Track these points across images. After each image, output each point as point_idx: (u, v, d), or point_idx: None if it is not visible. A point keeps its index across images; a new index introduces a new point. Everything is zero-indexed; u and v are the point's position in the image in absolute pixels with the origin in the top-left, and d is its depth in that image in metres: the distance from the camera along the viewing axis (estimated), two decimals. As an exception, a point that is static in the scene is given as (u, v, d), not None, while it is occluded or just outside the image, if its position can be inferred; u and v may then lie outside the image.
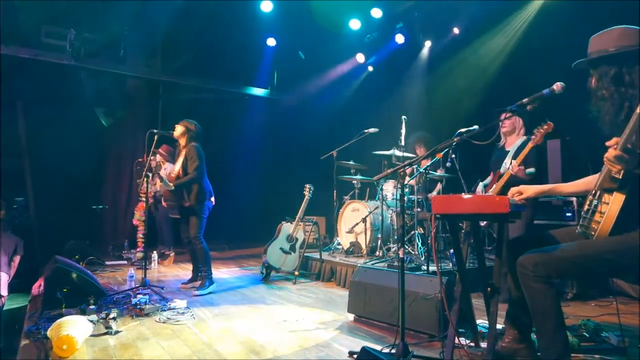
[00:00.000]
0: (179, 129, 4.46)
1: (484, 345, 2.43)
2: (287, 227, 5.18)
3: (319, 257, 5.08)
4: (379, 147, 5.24)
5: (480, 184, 3.96)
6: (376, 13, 6.90)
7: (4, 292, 4.24)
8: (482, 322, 2.80)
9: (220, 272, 5.46)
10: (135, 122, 7.60)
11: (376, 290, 3.21)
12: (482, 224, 4.13)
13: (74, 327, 2.63)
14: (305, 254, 5.15)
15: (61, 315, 3.04)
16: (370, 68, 8.12)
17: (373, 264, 4.46)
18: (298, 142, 8.49)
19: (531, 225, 3.63)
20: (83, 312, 3.23)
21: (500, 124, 3.62)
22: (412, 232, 4.78)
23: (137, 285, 4.08)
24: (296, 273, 4.91)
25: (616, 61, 1.91)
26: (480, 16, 6.00)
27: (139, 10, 6.75)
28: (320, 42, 7.81)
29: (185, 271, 5.42)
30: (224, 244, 7.49)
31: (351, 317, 3.38)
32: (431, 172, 4.84)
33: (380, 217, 5.07)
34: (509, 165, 3.49)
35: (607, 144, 1.78)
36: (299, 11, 7.00)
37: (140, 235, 6.18)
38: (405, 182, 2.36)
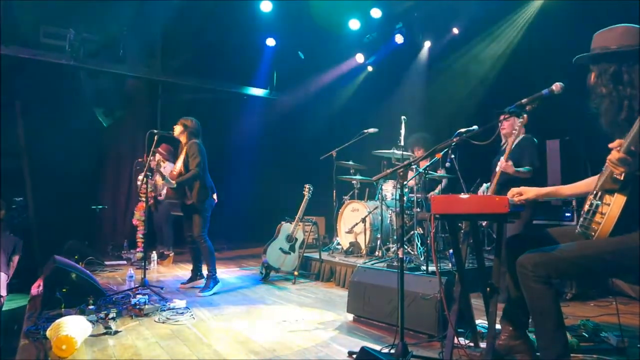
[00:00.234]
0: (177, 129, 4.47)
1: (483, 345, 2.43)
2: (286, 227, 5.18)
3: (318, 257, 5.08)
4: (378, 147, 5.24)
5: (484, 185, 3.96)
6: (376, 13, 6.90)
7: (3, 292, 4.23)
8: (481, 322, 2.81)
9: (220, 272, 5.40)
10: (134, 122, 7.60)
11: (375, 290, 3.21)
12: (483, 223, 4.14)
13: (73, 327, 2.62)
14: (304, 254, 5.15)
15: (60, 316, 3.04)
16: (370, 68, 8.12)
17: (372, 264, 4.46)
18: (297, 142, 8.49)
19: (530, 225, 3.63)
20: (82, 312, 3.22)
21: (500, 125, 3.61)
22: (412, 232, 4.78)
23: (136, 286, 4.07)
24: (296, 273, 4.91)
25: (616, 59, 1.91)
26: (480, 16, 6.00)
27: (138, 10, 6.75)
28: (320, 42, 7.80)
29: (184, 271, 5.41)
30: (223, 244, 7.48)
31: (350, 317, 3.38)
32: (431, 172, 4.84)
33: (380, 217, 5.07)
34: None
35: (610, 145, 1.77)
36: (299, 11, 7.00)
37: (139, 235, 6.17)
38: (405, 183, 2.36)
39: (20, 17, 6.09)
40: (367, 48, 7.84)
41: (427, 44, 7.02)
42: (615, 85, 1.90)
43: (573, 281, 3.93)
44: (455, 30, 6.52)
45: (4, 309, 4.17)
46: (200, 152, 4.32)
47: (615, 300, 3.63)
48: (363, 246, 5.17)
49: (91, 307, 3.34)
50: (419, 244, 4.74)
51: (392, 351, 2.42)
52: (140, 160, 6.11)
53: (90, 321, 2.93)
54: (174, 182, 4.22)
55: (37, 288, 4.01)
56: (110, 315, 3.05)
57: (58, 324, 2.63)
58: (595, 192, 1.95)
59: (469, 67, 6.28)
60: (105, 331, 2.93)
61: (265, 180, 8.46)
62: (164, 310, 3.47)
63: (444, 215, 2.29)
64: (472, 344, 2.55)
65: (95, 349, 2.67)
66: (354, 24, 7.32)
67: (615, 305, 3.00)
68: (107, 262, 5.75)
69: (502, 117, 2.48)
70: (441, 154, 2.73)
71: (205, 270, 4.39)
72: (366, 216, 5.10)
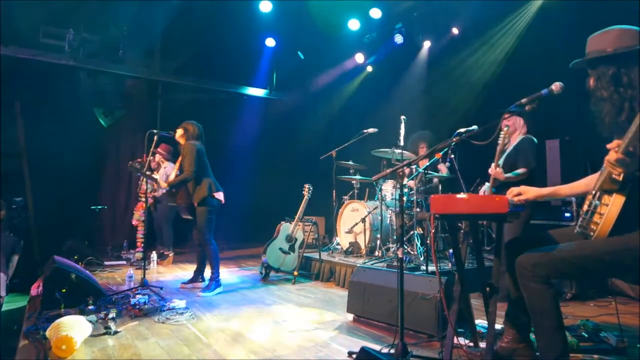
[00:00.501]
0: (178, 132, 4.47)
1: (482, 345, 2.43)
2: (286, 227, 5.17)
3: (318, 257, 5.08)
4: (378, 147, 5.24)
5: (486, 184, 3.95)
6: (375, 13, 6.91)
7: (3, 293, 4.23)
8: (481, 322, 2.81)
9: (220, 272, 5.43)
10: (134, 122, 7.60)
11: (375, 290, 3.21)
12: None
13: (73, 327, 2.62)
14: (304, 254, 5.15)
15: (60, 316, 3.03)
16: (370, 68, 8.12)
17: (372, 264, 4.46)
18: (297, 142, 8.48)
19: (528, 225, 3.61)
20: (82, 313, 3.22)
21: (501, 124, 3.59)
22: (411, 232, 4.78)
23: (136, 286, 4.07)
24: (295, 273, 4.90)
25: (614, 62, 1.90)
26: (480, 16, 6.01)
27: (137, 10, 6.74)
28: (320, 42, 7.81)
29: (184, 271, 5.41)
30: (223, 244, 7.47)
31: (350, 317, 3.39)
32: (430, 172, 4.84)
33: (380, 217, 5.06)
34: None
35: (608, 146, 1.77)
36: (298, 11, 7.00)
37: (139, 235, 6.17)
38: (405, 183, 2.36)
39: (19, 18, 6.09)
40: (366, 48, 7.85)
41: (427, 44, 7.03)
42: (615, 87, 1.89)
43: (572, 281, 3.94)
44: (455, 31, 6.52)
45: (3, 309, 4.17)
46: (195, 153, 4.24)
47: (614, 300, 3.63)
48: (363, 246, 5.17)
49: (91, 307, 3.34)
50: (418, 244, 4.75)
51: (392, 351, 2.42)
52: (140, 160, 6.11)
53: (90, 321, 2.93)
54: (166, 184, 4.22)
55: (36, 288, 4.01)
56: (110, 316, 3.05)
57: (58, 324, 2.63)
58: (594, 192, 1.95)
59: (469, 67, 6.28)
60: (104, 331, 2.93)
61: (265, 180, 8.46)
62: (164, 310, 3.47)
63: (444, 215, 2.29)
64: (471, 344, 2.55)
65: (95, 349, 2.67)
66: (354, 24, 7.32)
67: (615, 305, 3.00)
68: (106, 262, 5.74)
69: (504, 117, 2.48)
70: (441, 153, 2.72)
71: (207, 273, 4.37)
72: (366, 216, 5.10)
